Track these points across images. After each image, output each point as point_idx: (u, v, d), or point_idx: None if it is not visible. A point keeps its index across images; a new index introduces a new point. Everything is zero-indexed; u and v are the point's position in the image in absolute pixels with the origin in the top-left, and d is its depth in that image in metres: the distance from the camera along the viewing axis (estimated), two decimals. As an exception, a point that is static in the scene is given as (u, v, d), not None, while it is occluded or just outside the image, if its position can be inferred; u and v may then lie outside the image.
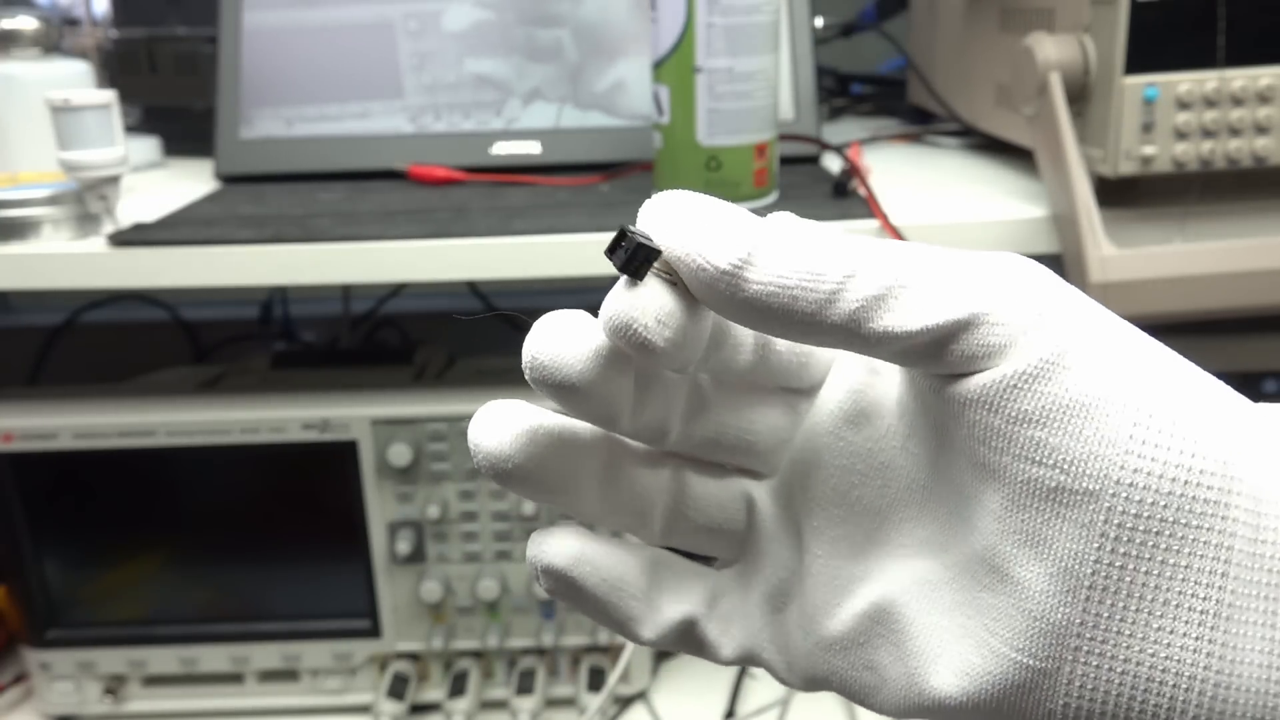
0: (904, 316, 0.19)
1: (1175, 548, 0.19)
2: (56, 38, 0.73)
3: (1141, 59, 0.54)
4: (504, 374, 0.77)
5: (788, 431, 0.25)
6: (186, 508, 0.71)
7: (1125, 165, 0.55)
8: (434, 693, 0.74)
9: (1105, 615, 0.19)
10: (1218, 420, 0.19)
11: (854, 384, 0.24)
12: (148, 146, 0.80)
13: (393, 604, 0.72)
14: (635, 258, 0.20)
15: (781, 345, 0.24)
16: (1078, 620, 0.19)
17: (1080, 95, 0.57)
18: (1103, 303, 0.21)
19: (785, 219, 0.22)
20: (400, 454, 0.68)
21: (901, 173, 0.70)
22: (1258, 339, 0.72)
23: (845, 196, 0.62)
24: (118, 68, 0.83)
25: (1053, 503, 0.19)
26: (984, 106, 0.73)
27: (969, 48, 0.76)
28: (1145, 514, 0.19)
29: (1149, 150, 0.55)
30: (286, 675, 0.74)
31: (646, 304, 0.20)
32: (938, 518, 0.23)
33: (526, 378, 0.21)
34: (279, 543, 0.72)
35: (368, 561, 0.71)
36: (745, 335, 0.23)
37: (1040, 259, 0.22)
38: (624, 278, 0.20)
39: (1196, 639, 0.19)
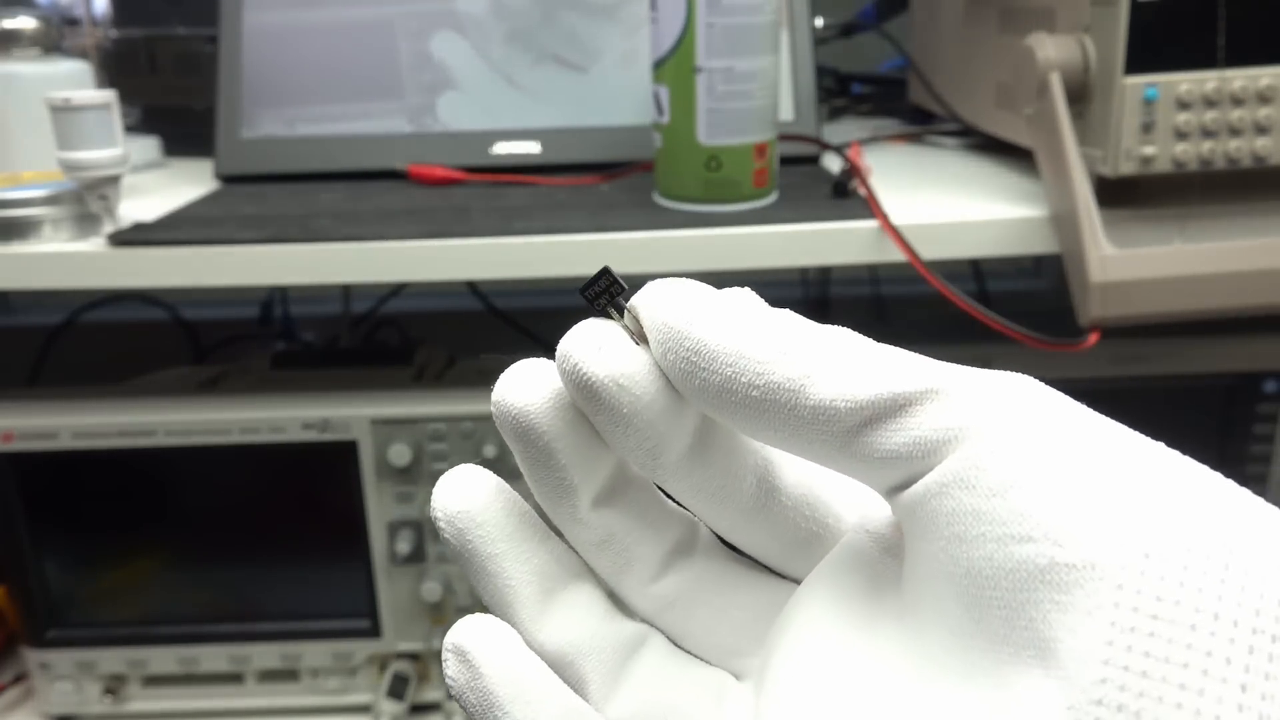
0: (853, 384, 0.18)
1: (1223, 654, 0.14)
2: (56, 38, 0.73)
3: (1141, 59, 0.54)
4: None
5: (765, 624, 0.22)
6: (186, 508, 0.71)
7: (1125, 165, 0.55)
8: (434, 693, 0.74)
9: None
10: (1247, 502, 0.15)
11: (865, 556, 0.21)
12: (148, 146, 0.80)
13: (393, 604, 0.72)
14: (598, 286, 0.20)
15: (788, 498, 0.22)
16: None
17: (1080, 95, 0.57)
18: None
19: (748, 295, 0.21)
20: (400, 454, 0.68)
21: (901, 173, 0.70)
22: (1258, 339, 0.72)
23: (845, 196, 0.62)
24: (118, 68, 0.83)
25: (1047, 586, 0.15)
26: (984, 106, 0.73)
27: (969, 48, 0.76)
28: (1173, 598, 0.14)
29: (1149, 150, 0.55)
30: (286, 675, 0.74)
31: (588, 333, 0.19)
32: (916, 663, 0.19)
33: (494, 419, 0.20)
34: (279, 543, 0.72)
35: (368, 561, 0.71)
36: (744, 465, 0.21)
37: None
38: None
39: None
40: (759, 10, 0.57)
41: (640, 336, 0.19)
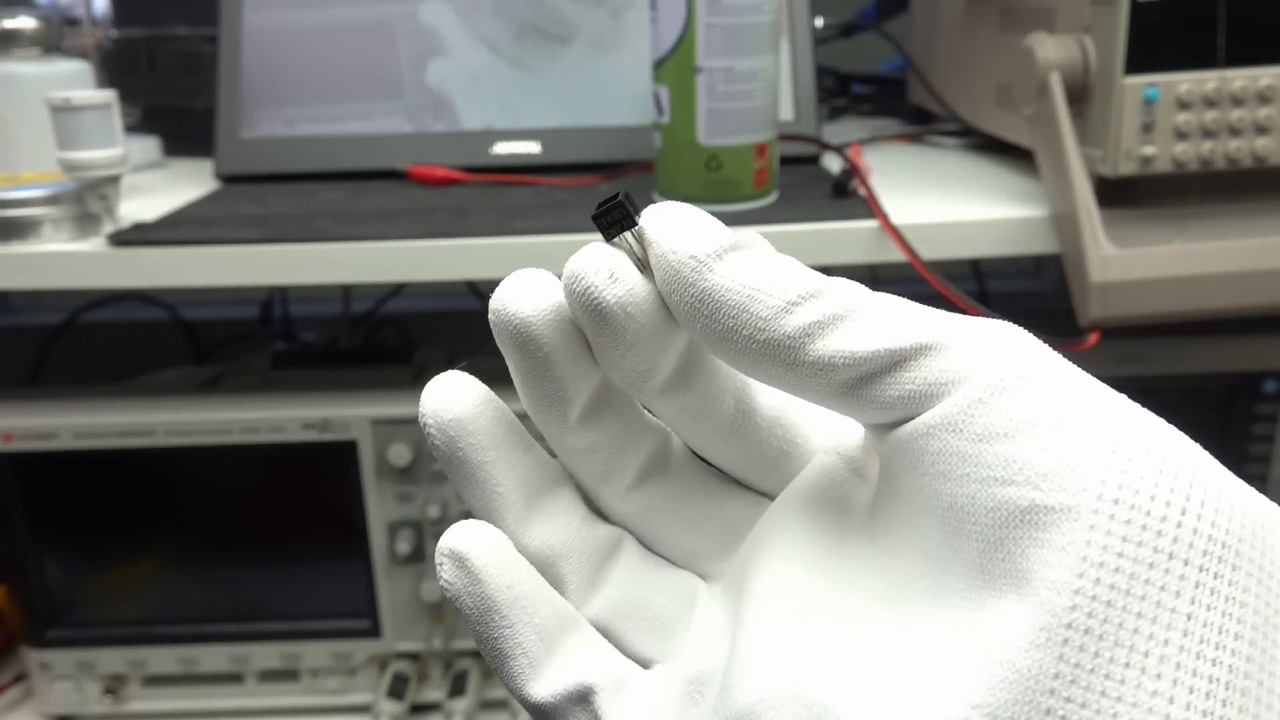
0: (853, 339, 0.18)
1: (1174, 588, 0.16)
2: (56, 38, 0.73)
3: (1141, 59, 0.54)
4: (504, 374, 0.77)
5: (739, 533, 0.23)
6: (186, 508, 0.71)
7: (1125, 165, 0.55)
8: (434, 693, 0.74)
9: (1087, 667, 0.16)
10: (1211, 462, 0.17)
11: (835, 476, 0.22)
12: (148, 146, 0.80)
13: (393, 604, 0.72)
14: (611, 215, 0.20)
15: (763, 419, 0.23)
16: (1052, 671, 0.16)
17: (1080, 95, 0.57)
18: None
19: (759, 239, 0.21)
20: (400, 454, 0.68)
21: (901, 173, 0.70)
22: (1258, 339, 0.72)
23: (845, 196, 0.62)
24: (118, 68, 0.83)
25: (1026, 525, 0.16)
26: (984, 106, 0.73)
27: (969, 48, 0.76)
28: (1136, 539, 0.16)
29: (1149, 150, 0.55)
30: (286, 675, 0.74)
31: (601, 259, 0.19)
32: (889, 583, 0.20)
33: (490, 323, 0.21)
34: (279, 543, 0.72)
35: (368, 561, 0.71)
36: (724, 387, 0.22)
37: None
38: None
39: (1203, 713, 0.15)
40: (759, 10, 0.57)
41: (646, 263, 0.20)
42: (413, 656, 0.74)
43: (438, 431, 0.21)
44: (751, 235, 0.21)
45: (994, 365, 0.18)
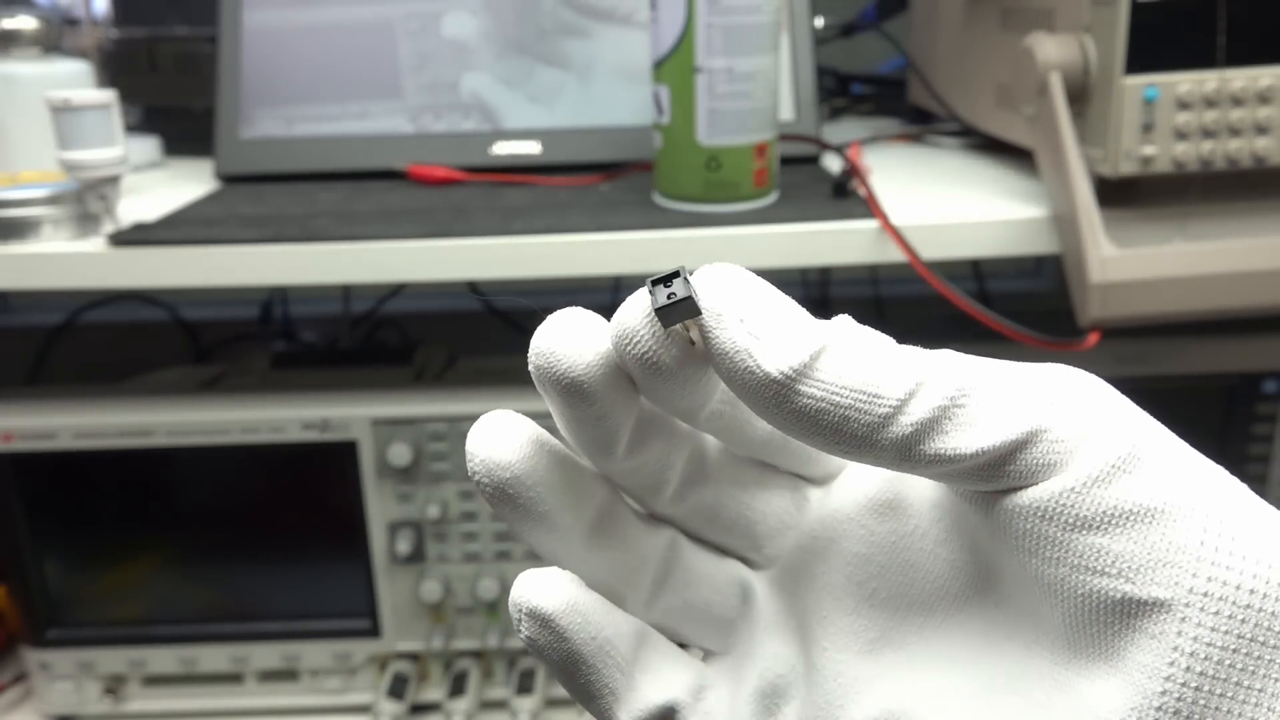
0: (960, 439, 0.18)
1: (1261, 671, 0.17)
2: (56, 38, 0.73)
3: (1141, 59, 0.54)
4: (504, 374, 0.77)
5: (792, 520, 0.24)
6: (186, 508, 0.71)
7: (1125, 165, 0.55)
8: (434, 693, 0.74)
9: None
10: None
11: (888, 474, 0.22)
12: (148, 146, 0.80)
13: (393, 604, 0.72)
14: (676, 310, 0.18)
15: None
16: None
17: (1080, 95, 0.57)
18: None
19: (845, 323, 0.20)
20: (400, 454, 0.68)
21: (901, 173, 0.70)
22: (1258, 339, 0.72)
23: (845, 196, 0.62)
24: (118, 68, 0.83)
25: (1120, 614, 0.18)
26: (984, 106, 0.73)
27: (969, 48, 0.76)
28: (1224, 629, 0.17)
29: (1149, 150, 0.55)
30: (286, 675, 0.74)
31: (652, 325, 0.19)
32: (971, 631, 0.21)
33: (531, 370, 0.20)
34: (279, 543, 0.72)
35: (368, 561, 0.71)
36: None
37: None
38: (651, 305, 0.19)
39: None
40: (759, 10, 0.57)
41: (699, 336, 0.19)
42: (413, 656, 0.74)
43: (492, 486, 0.21)
44: (842, 321, 0.20)
45: (1089, 453, 0.18)
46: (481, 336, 0.99)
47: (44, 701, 0.74)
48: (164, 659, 0.73)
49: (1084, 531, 0.18)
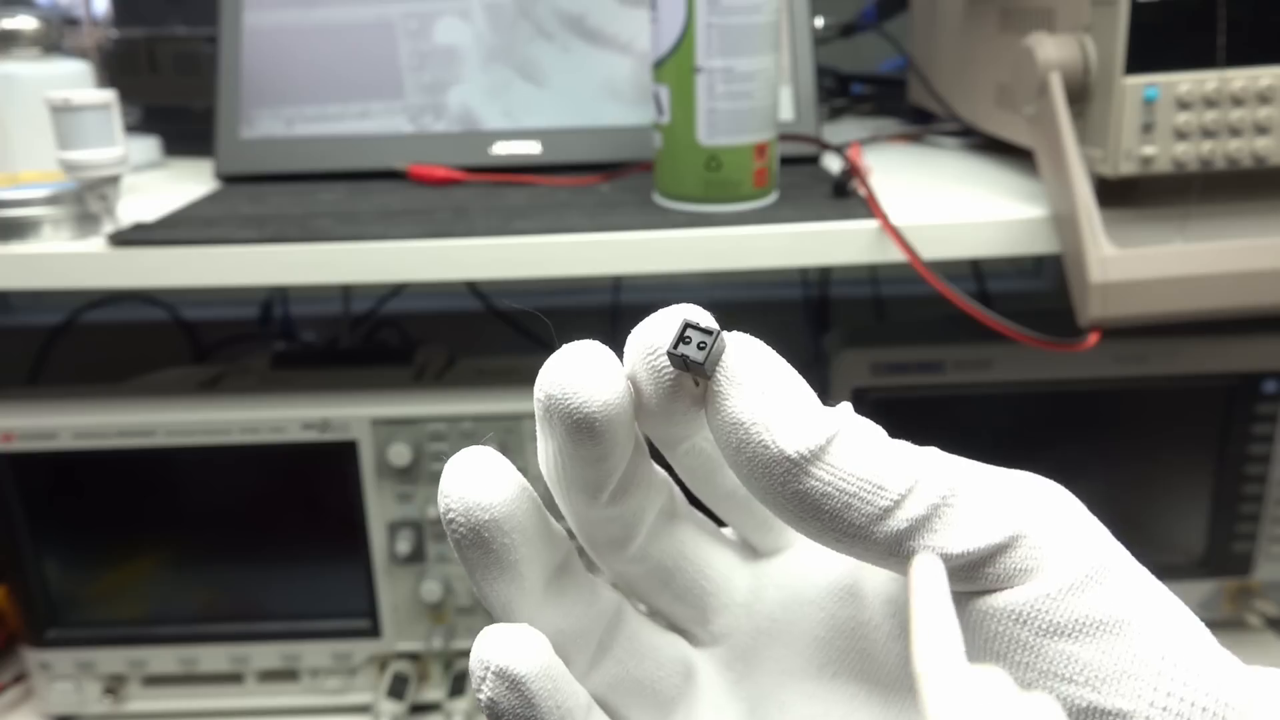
0: (948, 538, 0.18)
1: None
2: (56, 38, 0.73)
3: (1141, 59, 0.54)
4: (504, 374, 0.77)
5: (743, 597, 0.23)
6: (186, 508, 0.71)
7: (1125, 165, 0.55)
8: (434, 693, 0.74)
9: None
10: (1232, 663, 0.19)
11: (852, 560, 0.22)
12: (148, 146, 0.80)
13: (393, 604, 0.72)
14: (692, 367, 0.18)
15: None
16: None
17: (1080, 95, 0.57)
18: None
19: (848, 412, 0.20)
20: (400, 454, 0.68)
21: (901, 173, 0.70)
22: (1258, 339, 0.72)
23: (845, 196, 0.62)
24: (118, 68, 0.83)
25: (1083, 717, 0.18)
26: (984, 106, 0.73)
27: (969, 48, 0.76)
28: None
29: (1149, 150, 0.55)
30: (286, 675, 0.74)
31: (673, 372, 0.19)
32: None
33: (541, 402, 0.19)
34: (279, 543, 0.72)
35: (368, 561, 0.71)
36: None
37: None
38: (664, 341, 0.19)
39: None
40: (759, 10, 0.57)
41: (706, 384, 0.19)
42: (413, 656, 0.74)
43: (468, 528, 0.19)
44: (845, 415, 0.20)
45: (1064, 562, 0.19)
46: (481, 336, 0.99)
47: (44, 701, 0.74)
48: (164, 659, 0.73)
49: (1056, 638, 0.18)
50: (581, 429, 0.19)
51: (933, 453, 0.19)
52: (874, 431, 0.19)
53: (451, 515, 0.19)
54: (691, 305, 0.20)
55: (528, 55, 0.74)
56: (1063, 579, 0.19)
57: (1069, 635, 0.18)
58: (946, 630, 0.16)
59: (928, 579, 0.17)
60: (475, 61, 0.74)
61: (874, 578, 0.22)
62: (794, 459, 0.18)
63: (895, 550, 0.19)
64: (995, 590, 0.19)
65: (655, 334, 0.19)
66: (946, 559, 0.18)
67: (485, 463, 0.20)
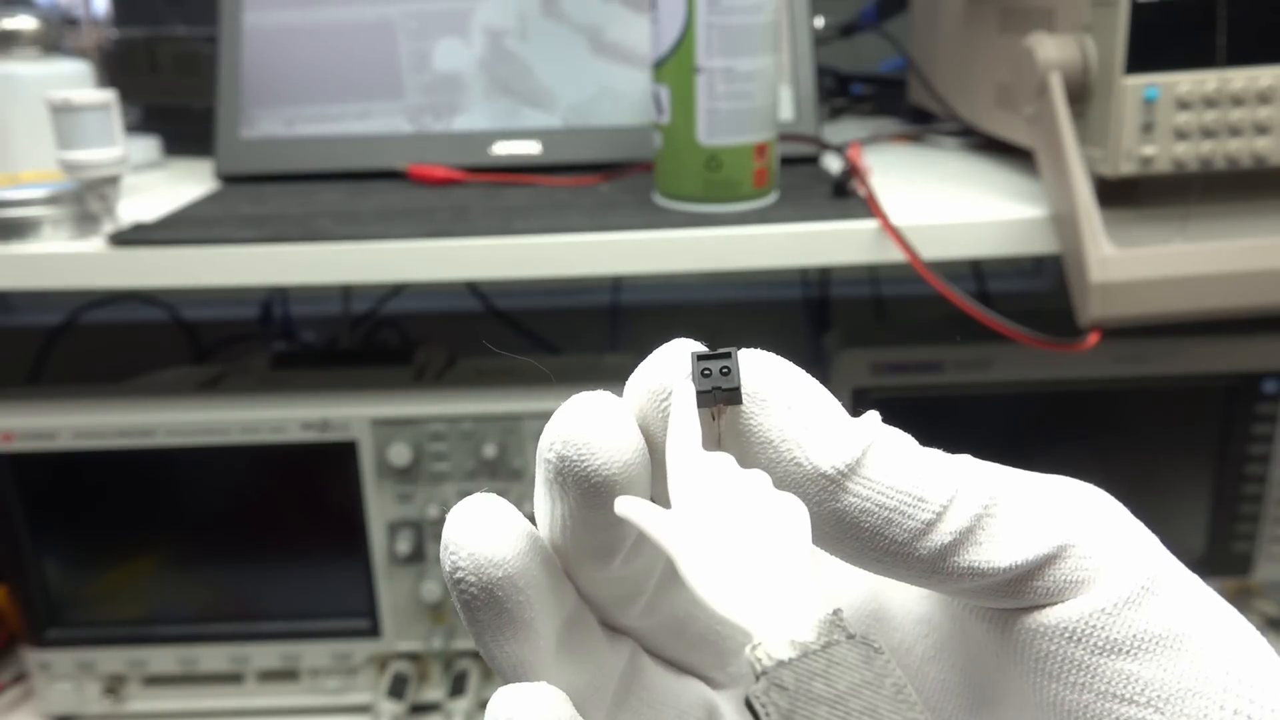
0: (992, 552, 0.17)
1: None
2: (56, 38, 0.73)
3: (1141, 59, 0.54)
4: (504, 374, 0.77)
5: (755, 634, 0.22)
6: (186, 508, 0.71)
7: (1125, 165, 0.55)
8: (434, 693, 0.74)
9: None
10: None
11: (872, 583, 0.21)
12: (148, 146, 0.80)
13: (393, 604, 0.72)
14: (717, 396, 0.17)
15: None
16: None
17: (1080, 95, 0.57)
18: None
19: (877, 421, 0.19)
20: (400, 454, 0.68)
21: (901, 173, 0.70)
22: (1258, 339, 0.72)
23: (845, 196, 0.62)
24: (118, 68, 0.83)
25: None
26: (984, 106, 0.73)
27: (969, 48, 0.76)
28: None
29: (1149, 150, 0.55)
30: (286, 675, 0.74)
31: (698, 422, 0.17)
32: None
33: (551, 461, 0.17)
34: (279, 543, 0.72)
35: (367, 561, 0.71)
36: None
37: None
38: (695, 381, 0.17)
39: None
40: (759, 10, 0.57)
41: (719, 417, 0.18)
42: (413, 656, 0.74)
43: (479, 587, 0.17)
44: (875, 424, 0.18)
45: (1118, 573, 0.18)
46: (481, 336, 0.99)
47: (44, 701, 0.74)
48: (164, 659, 0.73)
49: (1113, 656, 0.17)
50: (600, 493, 0.17)
51: (968, 460, 0.18)
52: (907, 441, 0.18)
53: (460, 574, 0.17)
54: (681, 339, 0.18)
55: (528, 56, 0.74)
56: (1117, 592, 0.17)
57: (1127, 653, 0.17)
58: (689, 428, 0.16)
59: (681, 392, 0.17)
60: (476, 61, 0.74)
61: (898, 595, 0.21)
62: (830, 475, 0.17)
63: (938, 568, 0.17)
64: (1044, 605, 0.18)
65: (664, 375, 0.17)
66: (993, 574, 0.17)
67: (493, 513, 0.18)
